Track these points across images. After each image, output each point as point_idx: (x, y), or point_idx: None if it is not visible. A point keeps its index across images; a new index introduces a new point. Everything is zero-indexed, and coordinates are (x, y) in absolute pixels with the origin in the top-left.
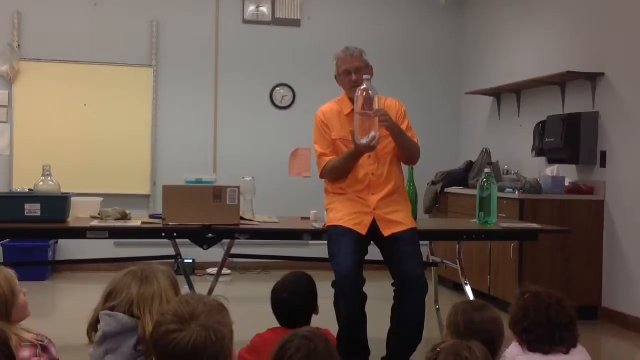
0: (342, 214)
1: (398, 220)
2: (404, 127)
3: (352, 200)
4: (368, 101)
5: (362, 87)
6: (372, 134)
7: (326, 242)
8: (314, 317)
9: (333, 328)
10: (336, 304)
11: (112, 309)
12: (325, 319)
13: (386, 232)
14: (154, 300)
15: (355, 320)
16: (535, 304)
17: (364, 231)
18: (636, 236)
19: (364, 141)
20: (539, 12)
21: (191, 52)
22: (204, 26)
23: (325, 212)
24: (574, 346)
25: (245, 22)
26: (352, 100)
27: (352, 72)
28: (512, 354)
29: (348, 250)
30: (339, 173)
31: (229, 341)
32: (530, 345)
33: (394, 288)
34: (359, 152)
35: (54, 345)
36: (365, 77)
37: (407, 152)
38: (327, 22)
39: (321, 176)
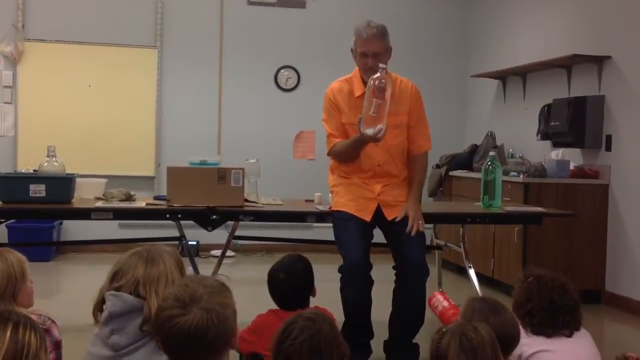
0: (345, 198)
1: (400, 204)
2: (418, 113)
3: (356, 185)
4: (380, 91)
5: (375, 76)
6: (380, 126)
7: (330, 224)
8: (312, 299)
9: (331, 308)
10: (343, 290)
11: (118, 289)
12: (323, 300)
13: (390, 216)
14: (160, 280)
15: (362, 307)
16: (539, 287)
17: (368, 217)
18: None
19: (369, 132)
20: None
21: (196, 34)
22: (208, 7)
23: (330, 194)
24: (577, 329)
25: (250, 3)
26: (364, 82)
27: (370, 56)
28: None
29: (356, 236)
30: (345, 157)
31: (231, 322)
32: (534, 328)
33: (395, 272)
34: (363, 140)
35: (57, 326)
36: (381, 66)
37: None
38: (332, 4)
39: (329, 154)
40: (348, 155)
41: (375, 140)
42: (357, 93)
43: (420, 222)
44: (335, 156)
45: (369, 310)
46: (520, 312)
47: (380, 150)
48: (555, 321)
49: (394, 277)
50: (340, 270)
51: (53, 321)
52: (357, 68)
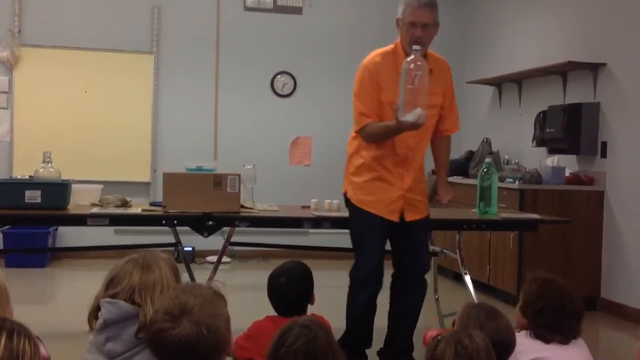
0: (374, 197)
1: (420, 205)
2: (451, 93)
3: (384, 180)
4: (417, 75)
5: (410, 59)
6: (419, 110)
7: (327, 230)
8: (309, 307)
9: (327, 315)
10: (356, 294)
11: (113, 296)
12: (319, 307)
13: (409, 218)
14: (155, 287)
15: (370, 314)
16: (551, 289)
17: (396, 218)
18: (635, 227)
19: (409, 118)
20: (541, 2)
21: (192, 39)
22: (205, 13)
23: (350, 179)
24: (576, 338)
25: (247, 8)
26: (408, 55)
27: (419, 26)
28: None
29: (377, 242)
30: (375, 139)
31: (223, 331)
32: (537, 329)
33: (392, 279)
34: (401, 128)
35: (44, 344)
36: (414, 47)
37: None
38: (329, 10)
39: (357, 133)
40: (379, 139)
41: (415, 128)
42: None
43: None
44: (366, 137)
45: (373, 318)
46: (529, 310)
47: (415, 133)
48: (562, 324)
49: (390, 282)
50: (354, 274)
51: (39, 338)
52: (398, 40)
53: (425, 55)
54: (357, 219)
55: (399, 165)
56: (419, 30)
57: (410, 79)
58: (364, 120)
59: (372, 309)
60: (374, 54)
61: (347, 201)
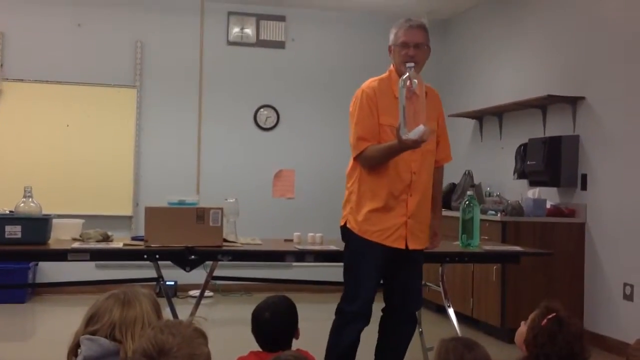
0: (379, 227)
1: (421, 235)
2: (443, 121)
3: (391, 209)
4: (414, 92)
5: (405, 76)
6: (422, 127)
7: (310, 263)
8: (294, 342)
9: (312, 349)
10: (342, 328)
11: (93, 333)
12: (303, 340)
13: (411, 245)
14: (136, 324)
15: (354, 351)
16: (564, 333)
17: (402, 244)
18: (617, 259)
19: (412, 136)
20: (521, 36)
21: (175, 73)
22: (188, 47)
23: (352, 209)
24: None
25: (230, 43)
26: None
27: (411, 45)
28: None
29: (374, 276)
30: (375, 162)
31: None
32: None
33: (382, 315)
34: (403, 148)
35: None
36: (408, 65)
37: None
38: (311, 44)
39: (355, 159)
40: (379, 161)
41: (418, 145)
42: (398, 93)
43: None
44: (365, 161)
45: (355, 355)
46: (536, 350)
47: (417, 156)
48: None
49: (380, 317)
50: (345, 307)
51: None
52: (391, 68)
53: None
54: (357, 250)
55: (403, 191)
56: (411, 50)
57: (408, 96)
58: (363, 144)
59: (357, 345)
60: (370, 80)
61: (346, 232)
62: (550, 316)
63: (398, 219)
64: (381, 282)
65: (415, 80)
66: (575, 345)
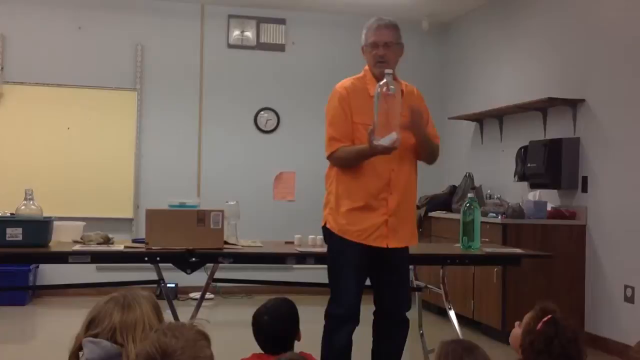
0: (359, 227)
1: (404, 232)
2: (426, 118)
3: (370, 208)
4: (389, 98)
5: (382, 82)
6: (394, 135)
7: (311, 266)
8: (296, 343)
9: (314, 352)
10: (331, 334)
11: (94, 336)
12: (307, 343)
13: (392, 244)
14: (137, 327)
15: (348, 354)
16: (560, 335)
17: (384, 243)
18: (617, 261)
19: (384, 143)
20: (521, 39)
21: (176, 76)
22: (188, 50)
23: (331, 209)
24: None
25: (230, 46)
26: (377, 78)
27: (380, 45)
28: None
29: (358, 277)
30: (346, 164)
31: None
32: None
33: (374, 318)
34: (374, 153)
35: None
36: (386, 71)
37: (427, 155)
38: (311, 47)
39: (328, 159)
40: (350, 163)
41: (388, 152)
42: (372, 92)
43: (420, 116)
44: (336, 161)
45: (350, 356)
46: (533, 356)
47: (396, 153)
48: None
49: (373, 320)
50: (332, 311)
51: None
52: (366, 67)
53: (395, 79)
54: (337, 251)
55: (382, 189)
56: (381, 50)
57: (383, 102)
58: (335, 145)
59: (350, 347)
60: (345, 79)
61: (328, 233)
62: (545, 319)
63: (379, 218)
64: (368, 283)
65: (392, 87)
66: (571, 349)
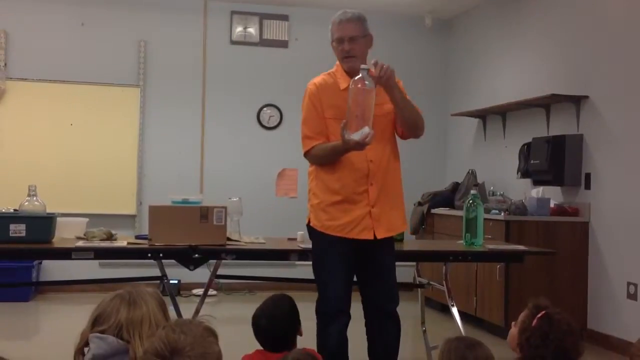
0: (341, 221)
1: (389, 220)
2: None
3: (351, 201)
4: (361, 92)
5: (357, 77)
6: (366, 129)
7: (311, 262)
8: (299, 338)
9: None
10: (321, 333)
11: (100, 333)
12: (311, 339)
13: (379, 234)
14: (143, 324)
15: (343, 350)
16: (555, 331)
17: (370, 235)
18: (620, 258)
19: (355, 137)
20: (524, 35)
21: (178, 72)
22: (191, 46)
23: (313, 206)
24: None
25: (233, 42)
26: (347, 73)
27: (346, 40)
28: None
29: (344, 272)
30: (324, 161)
31: None
32: None
33: (365, 316)
34: (346, 149)
35: None
36: (362, 66)
37: (410, 122)
38: (314, 44)
39: (305, 157)
40: (327, 160)
41: (360, 147)
42: (343, 86)
43: (386, 70)
44: (313, 159)
45: (347, 352)
46: (530, 352)
47: (373, 144)
48: None
49: (363, 316)
50: (321, 309)
51: None
52: (338, 62)
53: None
54: (321, 247)
55: (361, 182)
56: (347, 45)
57: (356, 98)
58: (309, 143)
59: (345, 342)
60: (317, 76)
61: (311, 230)
62: (539, 315)
63: (361, 210)
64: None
65: (368, 82)
66: (567, 342)
